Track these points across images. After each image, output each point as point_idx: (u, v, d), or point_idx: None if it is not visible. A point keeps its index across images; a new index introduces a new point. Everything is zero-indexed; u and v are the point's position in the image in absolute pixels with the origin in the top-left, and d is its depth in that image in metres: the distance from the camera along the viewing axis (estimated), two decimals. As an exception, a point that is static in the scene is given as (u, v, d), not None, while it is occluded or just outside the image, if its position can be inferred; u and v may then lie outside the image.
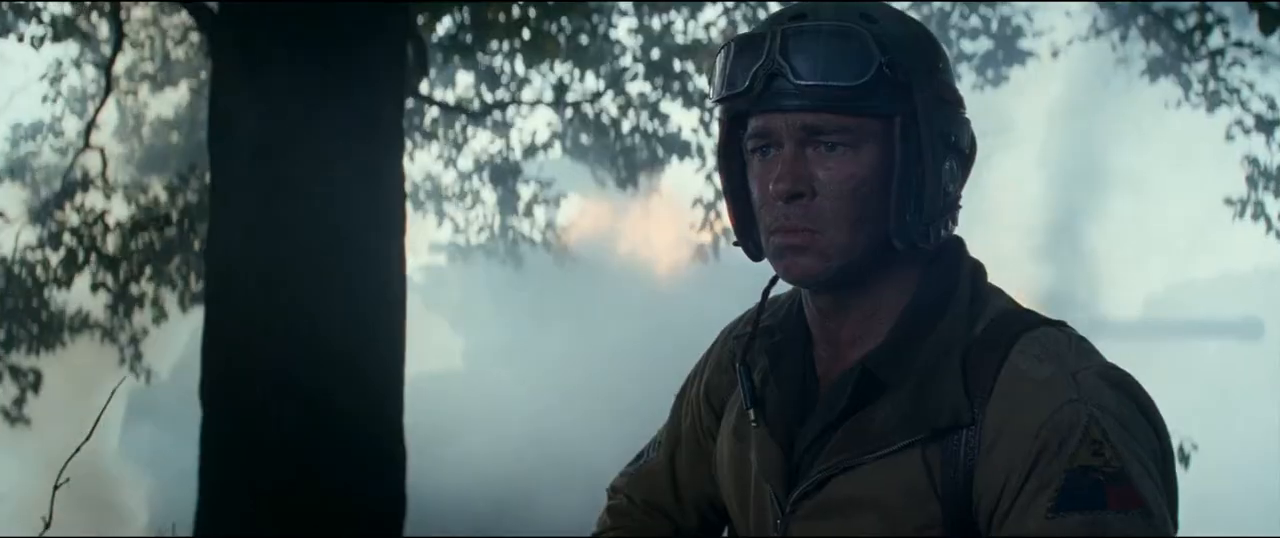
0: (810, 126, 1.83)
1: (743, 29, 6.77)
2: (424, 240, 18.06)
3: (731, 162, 1.97)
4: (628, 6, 11.50)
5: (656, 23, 12.06)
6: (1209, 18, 10.17)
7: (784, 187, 1.83)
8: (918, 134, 1.83)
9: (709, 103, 2.44)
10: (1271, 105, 10.99)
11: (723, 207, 12.71)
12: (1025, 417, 1.75)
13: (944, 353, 1.84)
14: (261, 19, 6.80)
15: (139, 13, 12.31)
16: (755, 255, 1.97)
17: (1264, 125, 10.97)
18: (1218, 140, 11.30)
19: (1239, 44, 10.36)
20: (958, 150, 1.89)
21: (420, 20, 9.85)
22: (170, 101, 14.04)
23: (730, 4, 11.54)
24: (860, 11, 1.85)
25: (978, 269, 1.96)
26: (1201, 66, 10.95)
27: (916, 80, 1.83)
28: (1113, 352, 1.89)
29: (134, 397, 18.18)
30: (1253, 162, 10.99)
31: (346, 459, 6.70)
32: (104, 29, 12.25)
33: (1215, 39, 10.58)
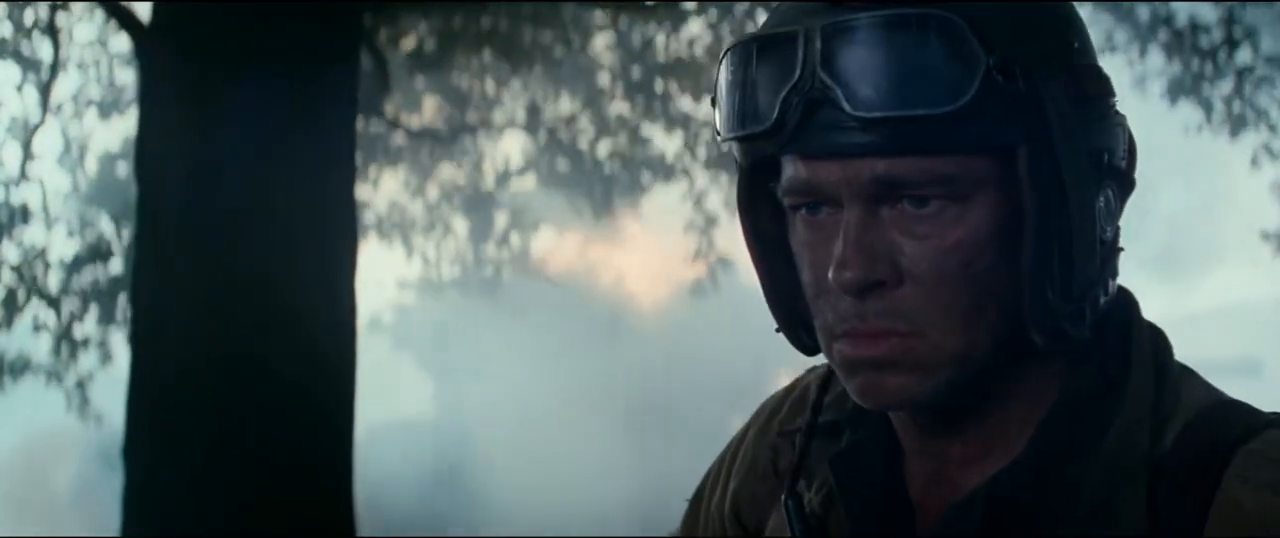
0: (885, 179, 1.19)
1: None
2: (392, 276, 17.72)
3: (758, 216, 1.33)
4: (604, 20, 11.05)
5: (637, 38, 11.59)
6: (1237, 31, 9.67)
7: (853, 276, 1.20)
8: (1056, 166, 1.19)
9: (719, 139, 1.52)
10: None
11: (717, 232, 13.03)
12: None
13: (1120, 478, 1.23)
14: (196, 32, 6.47)
15: (82, 34, 11.86)
16: (810, 349, 1.33)
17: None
18: (1239, 165, 10.78)
19: (1270, 60, 9.86)
20: (1113, 171, 1.26)
21: (383, 36, 9.52)
22: (118, 130, 13.57)
23: (718, 9, 10.88)
24: None
25: (1160, 345, 1.31)
26: (1226, 86, 10.34)
27: (1045, 80, 1.19)
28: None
29: (88, 445, 17.62)
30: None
31: (292, 517, 6.39)
32: (47, 50, 11.75)
33: (1243, 55, 10.04)
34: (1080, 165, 1.21)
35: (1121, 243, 1.29)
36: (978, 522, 1.26)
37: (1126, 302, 1.32)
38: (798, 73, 1.19)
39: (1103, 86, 1.26)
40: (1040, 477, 1.25)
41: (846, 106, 1.17)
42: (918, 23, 1.16)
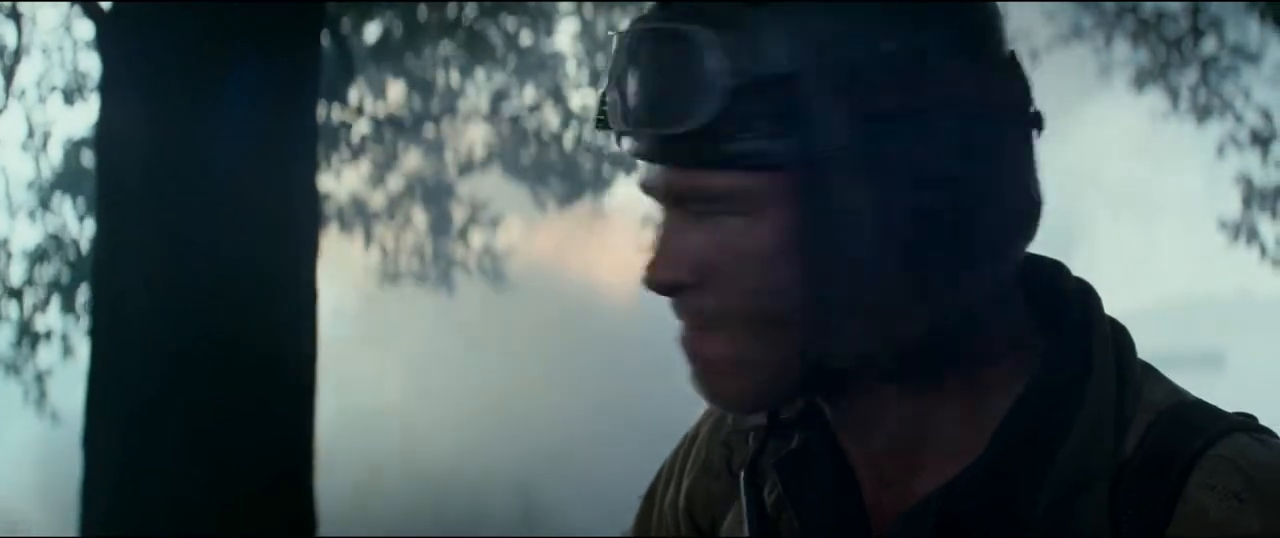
0: (666, 189, 1.20)
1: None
2: (361, 266, 17.66)
3: None
4: (569, 7, 11.02)
5: (602, 27, 11.58)
6: (1202, 21, 9.67)
7: (650, 277, 1.21)
8: (837, 183, 1.13)
9: None
10: (1268, 118, 10.41)
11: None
12: None
13: (1080, 484, 1.17)
14: (157, 19, 6.35)
15: (46, 19, 11.77)
16: None
17: (1259, 140, 10.44)
18: (1204, 155, 10.81)
19: (1236, 50, 9.87)
20: (935, 183, 1.13)
21: (346, 23, 9.43)
22: (83, 117, 13.39)
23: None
24: None
25: (1122, 342, 1.25)
26: (1192, 75, 10.37)
27: (823, 95, 1.12)
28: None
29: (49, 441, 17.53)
30: (1247, 181, 10.47)
31: (252, 511, 6.31)
32: (11, 35, 11.67)
33: (1208, 45, 10.05)
34: (867, 183, 1.13)
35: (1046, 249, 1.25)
36: (929, 533, 1.21)
37: (1087, 297, 1.27)
38: (609, 76, 1.20)
39: (930, 94, 1.14)
40: (996, 484, 1.20)
41: (624, 119, 1.18)
42: (670, 36, 1.14)
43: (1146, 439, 1.18)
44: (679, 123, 1.13)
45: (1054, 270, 1.29)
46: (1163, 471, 1.16)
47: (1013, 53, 1.21)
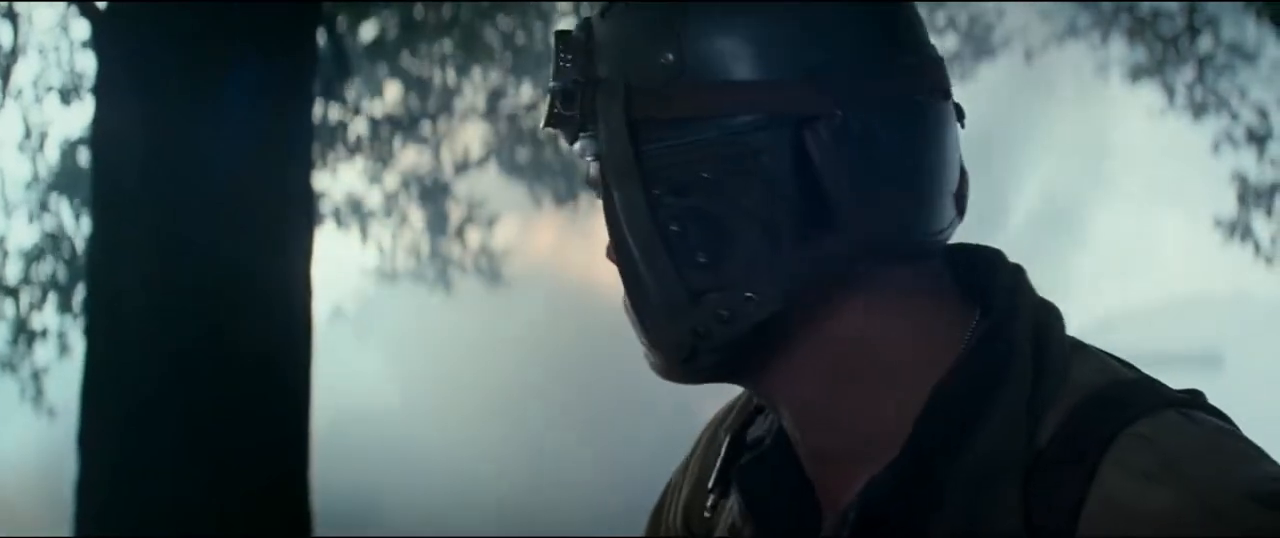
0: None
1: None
2: (355, 265, 17.57)
3: None
4: (567, 7, 10.98)
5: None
6: (1198, 19, 9.65)
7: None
8: (613, 182, 1.25)
9: None
10: (1263, 116, 10.36)
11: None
12: None
13: (992, 475, 1.17)
14: (153, 18, 6.39)
15: (43, 19, 11.72)
16: None
17: (1255, 138, 10.38)
18: (1200, 153, 10.74)
19: (1232, 48, 9.85)
20: (706, 187, 1.21)
21: (342, 22, 9.39)
22: (80, 116, 13.33)
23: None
24: None
25: (1045, 321, 1.25)
26: (1188, 72, 10.34)
27: (609, 99, 1.24)
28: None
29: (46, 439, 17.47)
30: (1242, 179, 10.43)
31: (247, 510, 6.36)
32: (7, 34, 11.63)
33: (1204, 43, 10.02)
34: (635, 191, 1.22)
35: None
36: (850, 534, 1.22)
37: (1015, 281, 1.28)
38: None
39: (719, 102, 1.22)
40: (912, 482, 1.20)
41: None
42: (559, 39, 1.27)
43: (1068, 423, 1.17)
44: (550, 114, 1.27)
45: (987, 259, 1.31)
46: (1080, 454, 1.14)
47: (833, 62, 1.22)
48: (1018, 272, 1.29)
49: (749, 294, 1.21)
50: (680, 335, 1.24)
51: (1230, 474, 1.10)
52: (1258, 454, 1.14)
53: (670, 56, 1.22)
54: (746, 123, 1.20)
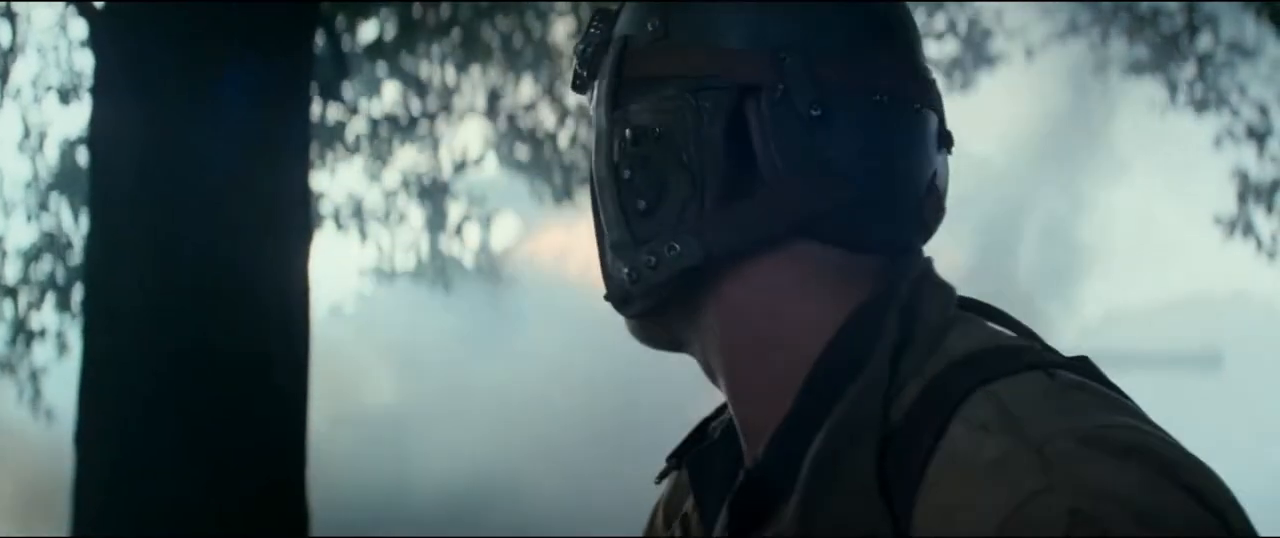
0: None
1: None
2: (354, 264, 17.57)
3: None
4: (565, 7, 10.98)
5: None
6: (1197, 18, 9.65)
7: None
8: (597, 134, 1.39)
9: None
10: (1264, 112, 10.34)
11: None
12: (964, 524, 1.09)
13: (844, 443, 1.20)
14: (150, 18, 6.34)
15: (41, 18, 11.74)
16: None
17: (1255, 135, 10.37)
18: (1201, 150, 10.74)
19: (1232, 46, 9.85)
20: (658, 141, 1.31)
21: (341, 22, 9.35)
22: (79, 116, 13.30)
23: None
24: None
25: (921, 295, 1.30)
26: (1189, 70, 10.34)
27: (604, 63, 1.37)
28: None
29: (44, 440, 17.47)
30: (1242, 176, 10.40)
31: (243, 511, 6.32)
32: (5, 33, 11.61)
33: (1204, 41, 10.03)
34: (607, 138, 1.35)
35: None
36: (728, 504, 1.30)
37: (907, 268, 1.31)
38: None
39: (684, 63, 1.31)
40: (790, 447, 1.24)
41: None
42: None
43: (929, 387, 1.19)
44: (574, 73, 1.41)
45: (920, 264, 1.34)
46: (934, 414, 1.16)
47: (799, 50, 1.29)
48: (907, 251, 1.33)
49: (674, 244, 1.29)
50: (619, 274, 1.34)
51: (1061, 422, 1.11)
52: (1102, 407, 1.15)
53: (656, 22, 1.33)
54: (699, 84, 1.29)
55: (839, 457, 1.19)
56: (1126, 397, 1.21)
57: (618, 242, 1.34)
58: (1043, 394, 1.15)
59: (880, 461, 1.16)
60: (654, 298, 1.34)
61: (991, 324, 1.30)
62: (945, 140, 1.35)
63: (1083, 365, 1.22)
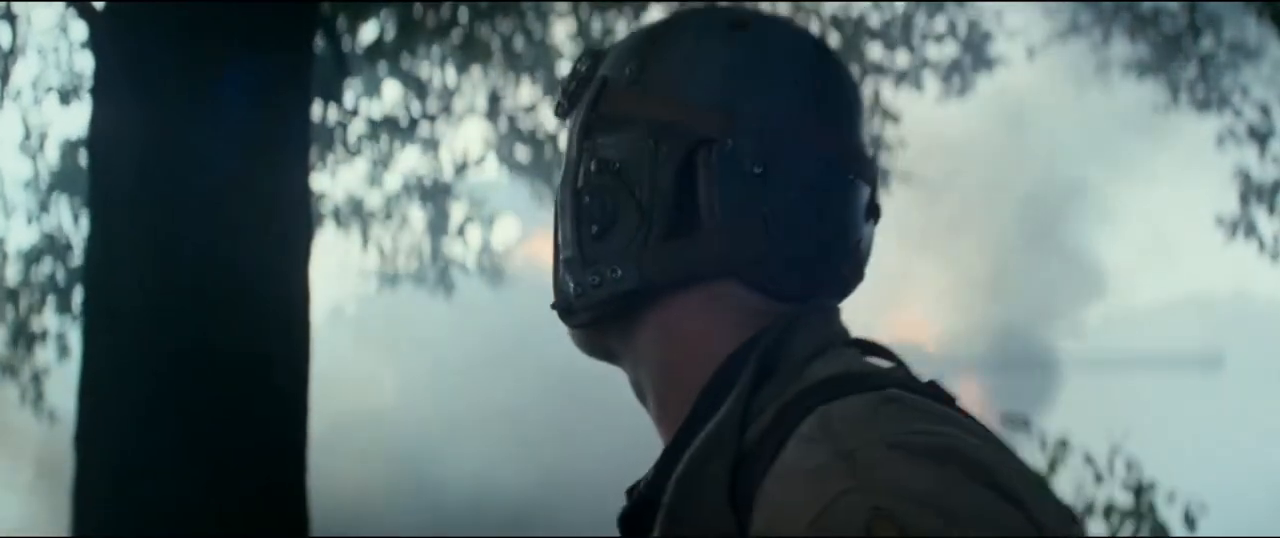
0: None
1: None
2: (355, 266, 17.54)
3: None
4: (565, 8, 10.97)
5: (598, 26, 11.58)
6: (1199, 19, 9.65)
7: None
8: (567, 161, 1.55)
9: None
10: (1266, 113, 10.33)
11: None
12: (784, 524, 1.20)
13: (702, 462, 1.33)
14: (150, 19, 6.33)
15: (42, 19, 11.75)
16: None
17: (1257, 135, 10.35)
18: (1203, 151, 10.73)
19: (1234, 47, 9.84)
20: (621, 176, 1.46)
21: (341, 23, 9.38)
22: (80, 117, 13.30)
23: (677, 3, 10.86)
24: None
25: (791, 333, 1.42)
26: (1191, 70, 10.34)
27: (580, 101, 1.53)
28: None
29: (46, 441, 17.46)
30: (1244, 177, 10.38)
31: (243, 512, 6.32)
32: (5, 35, 11.60)
33: (1206, 42, 10.02)
34: (575, 165, 1.49)
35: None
36: (621, 519, 1.43)
37: (791, 312, 1.42)
38: None
39: (649, 109, 1.46)
40: (659, 479, 1.37)
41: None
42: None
43: (782, 410, 1.30)
44: (557, 102, 1.56)
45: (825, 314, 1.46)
46: (779, 433, 1.28)
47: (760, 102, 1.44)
48: (809, 311, 1.44)
49: (617, 269, 1.44)
50: (567, 288, 1.50)
51: (874, 430, 1.21)
52: (925, 419, 1.24)
53: (634, 69, 1.49)
54: (661, 130, 1.43)
55: (699, 473, 1.31)
56: (966, 415, 1.31)
57: (569, 259, 1.49)
58: (871, 410, 1.25)
59: (733, 475, 1.28)
60: (593, 313, 1.49)
61: (867, 357, 1.43)
62: (874, 212, 1.49)
63: (931, 389, 1.35)
